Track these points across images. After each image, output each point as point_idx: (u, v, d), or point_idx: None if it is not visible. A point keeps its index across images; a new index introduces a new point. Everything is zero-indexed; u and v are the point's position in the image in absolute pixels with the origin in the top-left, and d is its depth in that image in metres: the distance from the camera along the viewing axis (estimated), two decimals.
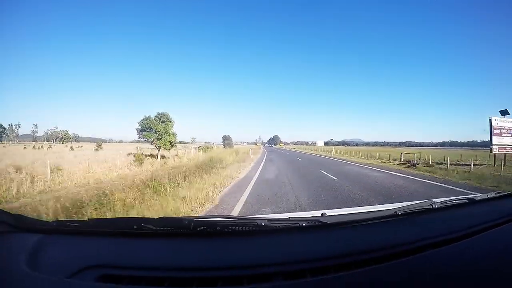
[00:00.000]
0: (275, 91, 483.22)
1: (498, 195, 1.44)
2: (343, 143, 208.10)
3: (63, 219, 2.58)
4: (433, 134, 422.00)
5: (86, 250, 0.84)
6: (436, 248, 0.87)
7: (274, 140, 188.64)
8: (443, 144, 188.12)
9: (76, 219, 2.93)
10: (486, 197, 1.39)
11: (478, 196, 1.39)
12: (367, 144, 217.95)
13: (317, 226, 0.97)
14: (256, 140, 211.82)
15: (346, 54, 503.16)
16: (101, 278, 0.70)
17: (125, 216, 3.61)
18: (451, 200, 1.33)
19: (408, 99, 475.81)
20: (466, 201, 1.33)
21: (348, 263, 0.77)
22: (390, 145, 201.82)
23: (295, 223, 0.96)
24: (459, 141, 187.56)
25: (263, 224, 0.94)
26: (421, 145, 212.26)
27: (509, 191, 1.51)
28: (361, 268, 0.75)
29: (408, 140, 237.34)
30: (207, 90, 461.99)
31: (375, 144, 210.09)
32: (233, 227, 0.92)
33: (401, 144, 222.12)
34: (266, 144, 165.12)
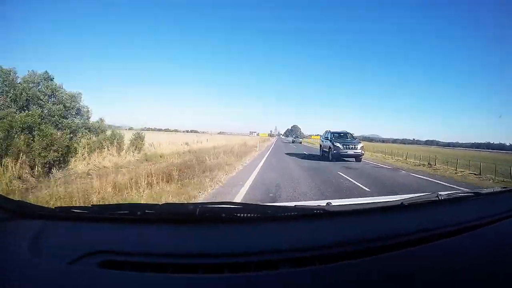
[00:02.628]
0: (290, 79, 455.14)
1: (504, 189, 1.45)
2: (366, 139, 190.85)
3: (66, 205, 2.50)
4: (462, 133, 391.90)
5: (89, 236, 0.84)
6: (441, 239, 0.87)
7: (293, 132, 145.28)
8: (478, 146, 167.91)
9: (79, 205, 2.86)
10: (492, 191, 1.41)
11: (485, 190, 1.41)
12: (394, 141, 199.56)
13: (323, 215, 0.98)
14: (271, 131, 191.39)
15: (369, 44, 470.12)
16: (104, 264, 0.69)
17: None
18: (457, 193, 1.36)
19: (435, 94, 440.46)
20: (472, 194, 1.34)
21: (354, 252, 0.77)
22: (417, 144, 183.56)
23: (301, 211, 0.98)
24: (493, 142, 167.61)
25: (269, 211, 0.97)
26: (450, 145, 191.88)
27: None
28: (367, 257, 0.75)
29: (433, 139, 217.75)
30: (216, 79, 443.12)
31: (403, 141, 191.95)
32: (239, 214, 0.92)
33: (428, 143, 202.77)
34: (282, 137, 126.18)
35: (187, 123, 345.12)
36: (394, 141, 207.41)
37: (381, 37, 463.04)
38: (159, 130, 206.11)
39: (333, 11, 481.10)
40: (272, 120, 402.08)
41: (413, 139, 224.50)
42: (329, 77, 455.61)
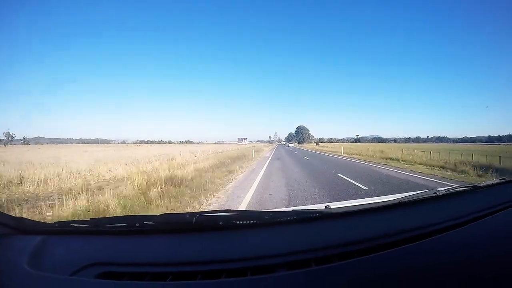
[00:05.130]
0: (291, 81, 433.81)
1: (502, 181, 1.45)
2: (379, 140, 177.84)
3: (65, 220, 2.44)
4: (465, 128, 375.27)
5: (88, 249, 0.84)
6: (441, 234, 0.87)
7: (299, 135, 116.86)
8: (500, 139, 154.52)
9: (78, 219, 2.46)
10: (491, 183, 1.42)
11: (483, 182, 1.41)
12: (407, 140, 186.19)
13: (321, 217, 0.98)
14: (270, 137, 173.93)
15: (381, 40, 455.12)
16: (103, 275, 0.70)
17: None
18: (455, 188, 1.35)
19: (442, 91, 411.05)
20: (471, 187, 1.35)
21: (353, 251, 0.77)
22: (424, 141, 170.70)
23: (299, 216, 0.98)
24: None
25: (266, 217, 0.96)
26: (460, 141, 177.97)
27: None
28: (367, 255, 0.75)
29: (436, 136, 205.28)
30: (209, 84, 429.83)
31: (416, 140, 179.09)
32: (236, 221, 0.92)
33: (440, 139, 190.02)
34: (289, 144, 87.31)
35: (182, 134, 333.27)
36: (407, 140, 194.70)
37: (389, 35, 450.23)
38: (152, 142, 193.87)
39: (336, 8, 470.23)
40: (272, 126, 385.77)
41: (427, 136, 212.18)
42: (337, 76, 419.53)
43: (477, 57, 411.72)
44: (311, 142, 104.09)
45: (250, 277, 0.69)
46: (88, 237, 0.92)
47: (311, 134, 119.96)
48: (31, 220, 0.98)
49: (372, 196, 4.98)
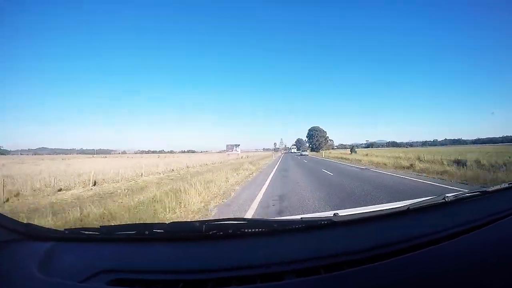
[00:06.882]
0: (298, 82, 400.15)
1: (511, 185, 1.44)
2: (394, 144, 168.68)
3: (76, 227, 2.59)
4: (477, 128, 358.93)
5: (98, 256, 0.86)
6: (451, 240, 0.87)
7: (314, 139, 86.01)
8: None
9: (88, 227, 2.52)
10: (499, 187, 1.41)
11: (491, 187, 1.42)
12: (424, 143, 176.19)
13: (330, 225, 0.98)
14: (275, 144, 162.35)
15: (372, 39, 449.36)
16: (114, 282, 0.71)
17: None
18: (464, 193, 1.35)
19: (457, 92, 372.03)
20: (479, 193, 1.34)
21: (363, 258, 0.77)
22: (442, 144, 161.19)
23: (307, 223, 0.98)
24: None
25: (274, 225, 0.97)
26: (479, 142, 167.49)
27: None
28: (374, 263, 0.74)
29: (451, 138, 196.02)
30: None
31: (433, 143, 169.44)
32: (245, 229, 0.93)
33: (455, 142, 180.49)
34: (306, 154, 54.60)
35: (185, 144, 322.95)
36: (424, 143, 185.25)
37: (399, 37, 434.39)
38: (153, 152, 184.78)
39: (344, 9, 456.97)
40: (279, 133, 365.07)
41: (445, 138, 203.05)
42: (345, 78, 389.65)
43: (491, 56, 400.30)
44: (329, 149, 79.21)
45: (260, 284, 0.69)
46: (98, 244, 0.93)
47: (330, 138, 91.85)
48: (41, 226, 0.99)
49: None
